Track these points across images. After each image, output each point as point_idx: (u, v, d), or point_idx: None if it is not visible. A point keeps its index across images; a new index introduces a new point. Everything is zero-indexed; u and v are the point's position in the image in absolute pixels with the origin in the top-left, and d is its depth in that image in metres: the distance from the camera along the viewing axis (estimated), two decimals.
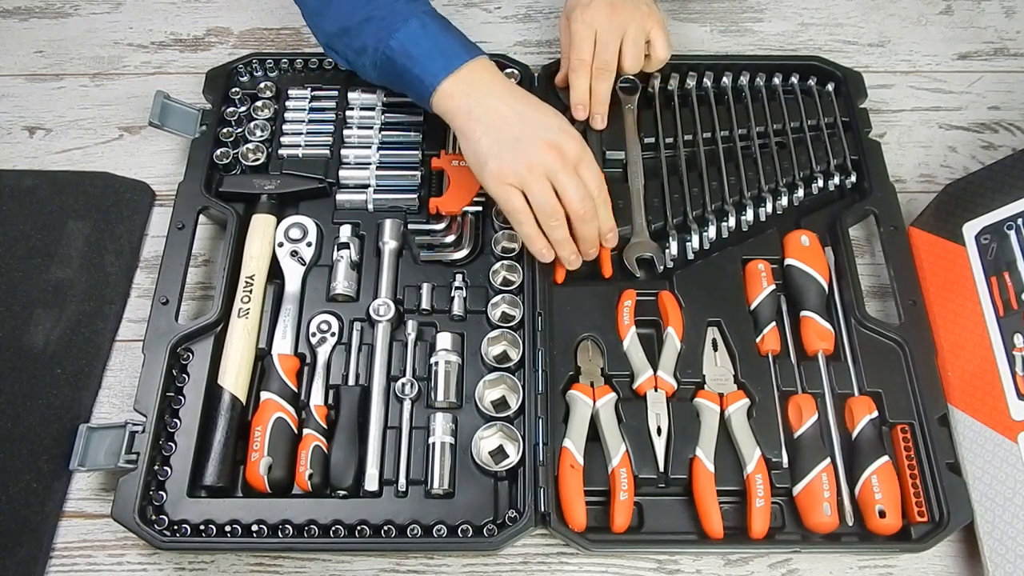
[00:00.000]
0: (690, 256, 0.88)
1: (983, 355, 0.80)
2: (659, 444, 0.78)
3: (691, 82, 0.99)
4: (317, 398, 0.80)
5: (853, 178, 0.93)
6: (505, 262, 0.86)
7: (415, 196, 0.91)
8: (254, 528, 0.74)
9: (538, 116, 0.79)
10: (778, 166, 0.93)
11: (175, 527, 0.74)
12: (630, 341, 0.83)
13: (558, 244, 0.79)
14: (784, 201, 0.91)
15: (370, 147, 0.94)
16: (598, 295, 0.86)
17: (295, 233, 0.88)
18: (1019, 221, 0.82)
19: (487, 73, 0.81)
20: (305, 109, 0.97)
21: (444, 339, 0.82)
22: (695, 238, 0.88)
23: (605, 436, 0.78)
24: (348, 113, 0.96)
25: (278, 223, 0.89)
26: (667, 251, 0.88)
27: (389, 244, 0.87)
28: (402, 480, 0.77)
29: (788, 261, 0.87)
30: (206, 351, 0.82)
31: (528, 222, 0.78)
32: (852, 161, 0.94)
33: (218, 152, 0.92)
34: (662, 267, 0.88)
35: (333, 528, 0.74)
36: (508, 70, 0.99)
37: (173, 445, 0.77)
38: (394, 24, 0.81)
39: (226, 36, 1.10)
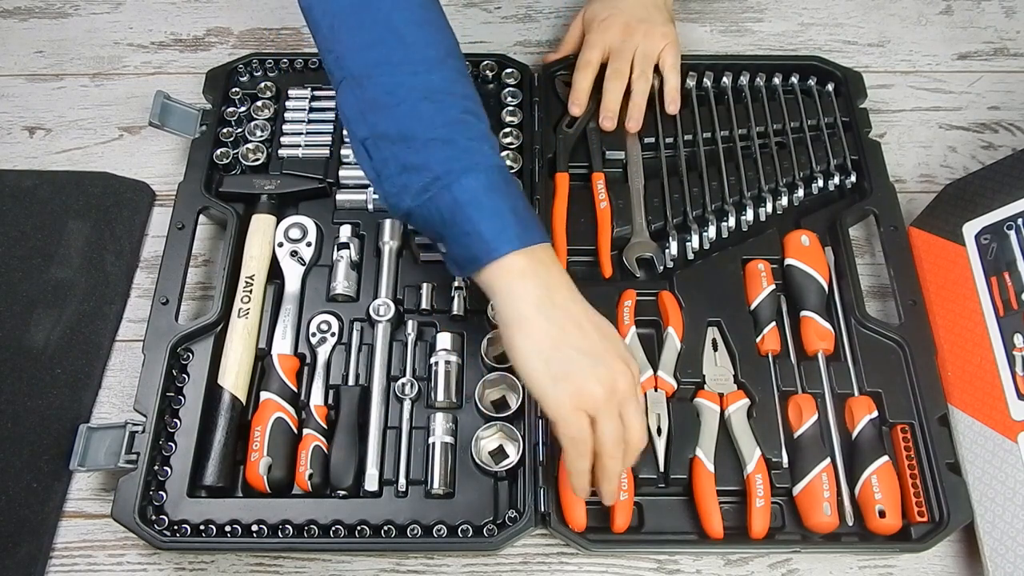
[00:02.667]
0: (690, 256, 0.88)
1: (983, 355, 0.80)
2: (659, 444, 0.78)
3: (691, 82, 0.99)
4: (317, 398, 0.80)
5: (853, 178, 0.93)
6: None
7: None
8: (254, 528, 0.74)
9: (612, 332, 0.67)
10: (778, 166, 0.93)
11: (175, 527, 0.74)
12: (630, 341, 0.83)
13: (608, 479, 0.68)
14: (784, 201, 0.91)
15: None
16: (598, 295, 0.85)
17: (295, 233, 0.88)
18: (1019, 221, 0.82)
19: (557, 264, 0.67)
20: (305, 109, 0.97)
21: (444, 339, 0.82)
22: (695, 238, 0.88)
23: None
24: None
25: (278, 223, 0.89)
26: (667, 251, 0.88)
27: (389, 244, 0.87)
28: (402, 480, 0.77)
29: (788, 261, 0.87)
30: (206, 351, 0.82)
31: (587, 455, 0.65)
32: (852, 161, 0.94)
33: (218, 152, 0.92)
34: (662, 267, 0.88)
35: (333, 528, 0.74)
36: (508, 70, 0.99)
37: (173, 445, 0.77)
38: (475, 161, 0.66)
39: (226, 36, 1.10)
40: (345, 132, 0.93)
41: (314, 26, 0.73)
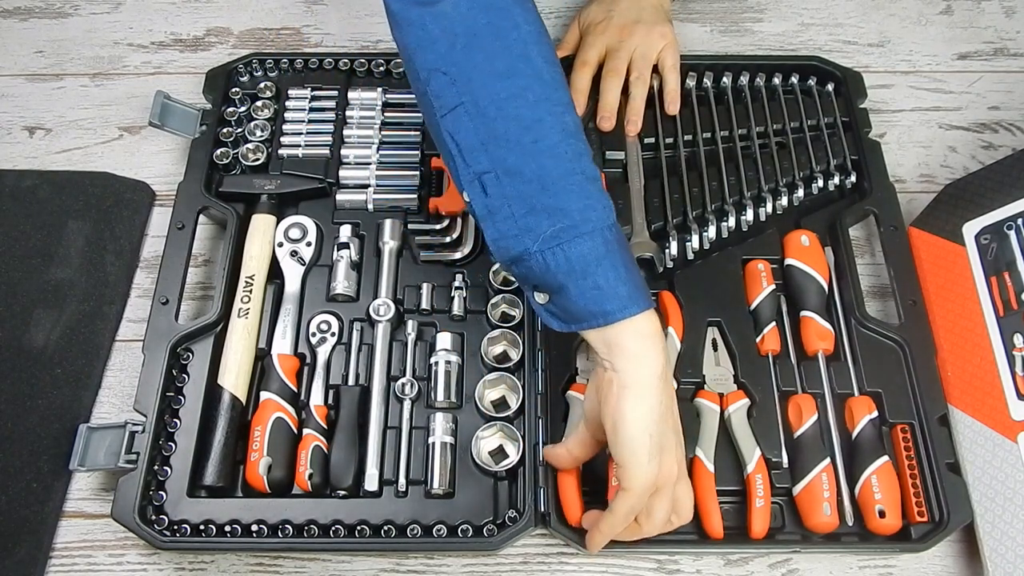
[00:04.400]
0: (690, 256, 0.88)
1: (983, 355, 0.80)
2: None
3: (691, 82, 0.99)
4: (317, 398, 0.80)
5: (853, 178, 0.93)
6: None
7: (415, 196, 0.91)
8: (254, 528, 0.74)
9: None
10: (778, 166, 0.93)
11: (175, 527, 0.74)
12: None
13: (628, 537, 0.70)
14: (784, 201, 0.91)
15: (370, 147, 0.94)
16: None
17: (295, 233, 0.88)
18: (1019, 221, 0.82)
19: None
20: (305, 109, 0.97)
21: (444, 339, 0.82)
22: (695, 238, 0.88)
23: None
24: (348, 113, 0.96)
25: (278, 223, 0.89)
26: (667, 251, 0.88)
27: (389, 244, 0.87)
28: (402, 480, 0.77)
29: (788, 261, 0.87)
30: (206, 351, 0.82)
31: (632, 523, 0.68)
32: (852, 161, 0.94)
33: (218, 152, 0.92)
34: (662, 267, 0.88)
35: (333, 528, 0.74)
36: None
37: (173, 445, 0.77)
38: (609, 215, 0.64)
39: (226, 36, 1.10)
40: (432, 149, 0.91)
41: (425, 40, 0.66)
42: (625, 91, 0.95)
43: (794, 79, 1.00)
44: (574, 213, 0.62)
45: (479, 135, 0.64)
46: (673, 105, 0.96)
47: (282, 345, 0.82)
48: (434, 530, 0.74)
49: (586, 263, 0.62)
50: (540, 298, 0.66)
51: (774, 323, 0.84)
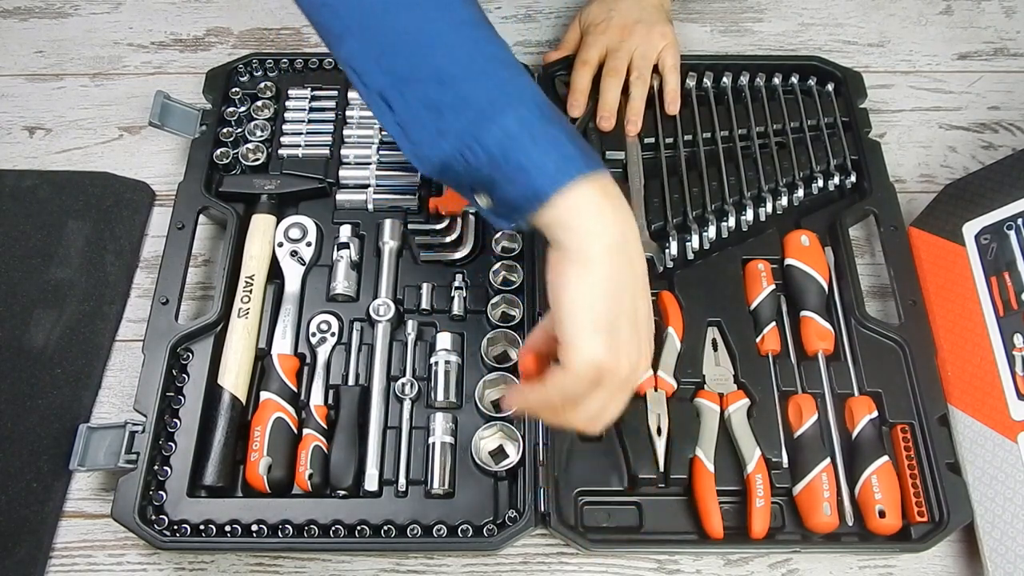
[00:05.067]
0: (690, 256, 0.88)
1: (983, 355, 0.80)
2: (659, 444, 0.78)
3: (691, 82, 0.99)
4: (317, 398, 0.80)
5: (853, 178, 0.93)
6: (505, 262, 0.86)
7: (415, 196, 0.91)
8: (254, 528, 0.74)
9: (652, 315, 0.62)
10: (778, 166, 0.93)
11: (175, 527, 0.74)
12: None
13: (547, 420, 0.68)
14: (784, 201, 0.91)
15: (370, 147, 0.94)
16: None
17: (295, 233, 0.88)
18: (1019, 221, 0.82)
19: (625, 204, 0.62)
20: (305, 109, 0.97)
21: (444, 339, 0.82)
22: (695, 238, 0.88)
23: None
24: (348, 113, 0.96)
25: (278, 223, 0.89)
26: (667, 251, 0.88)
27: (389, 244, 0.87)
28: (402, 480, 0.77)
29: (788, 261, 0.87)
30: (206, 351, 0.82)
31: (561, 410, 0.61)
32: (852, 161, 0.94)
33: (218, 152, 0.92)
34: (662, 267, 0.88)
35: (333, 528, 0.74)
36: None
37: (173, 445, 0.77)
38: (522, 92, 0.60)
39: (226, 36, 1.10)
40: (354, 113, 0.93)
41: None
42: (625, 91, 0.95)
43: (794, 79, 1.00)
44: (480, 100, 0.58)
45: (370, 53, 0.61)
46: (673, 105, 0.96)
47: (282, 345, 0.82)
48: (434, 530, 0.74)
49: (504, 147, 0.57)
50: (483, 201, 0.61)
51: (774, 323, 0.84)
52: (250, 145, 0.93)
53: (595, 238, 0.58)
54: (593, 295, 0.57)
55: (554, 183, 0.57)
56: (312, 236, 0.88)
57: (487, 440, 0.78)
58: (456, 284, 0.86)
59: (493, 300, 0.85)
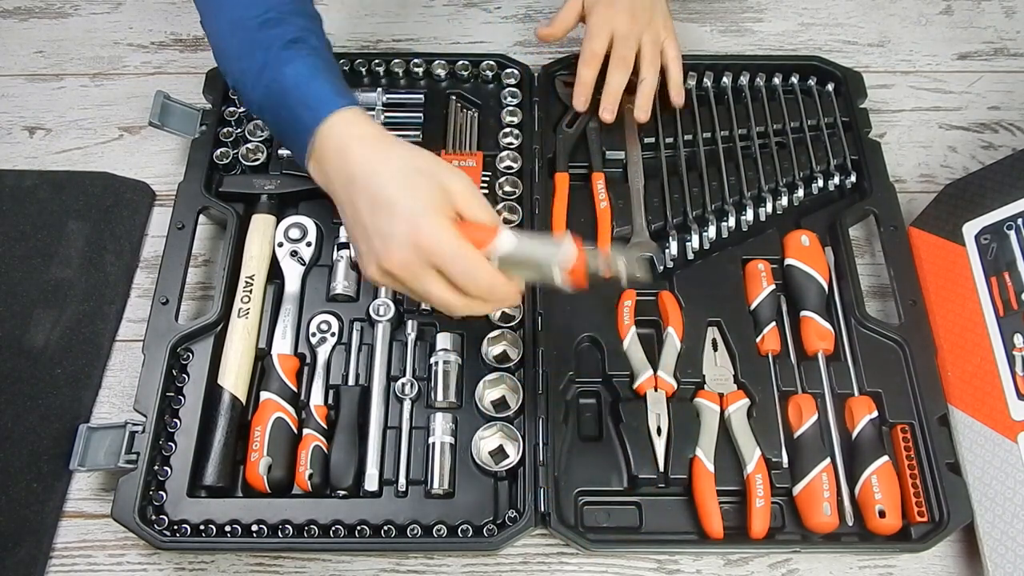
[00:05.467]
0: (690, 256, 0.88)
1: (983, 355, 0.80)
2: (659, 444, 0.78)
3: (691, 82, 0.99)
4: (317, 398, 0.80)
5: (853, 178, 0.93)
6: None
7: None
8: (254, 528, 0.74)
9: (403, 195, 0.64)
10: (778, 166, 0.93)
11: (175, 527, 0.74)
12: (630, 341, 0.83)
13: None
14: (784, 201, 0.91)
15: None
16: (598, 295, 0.86)
17: (295, 233, 0.88)
18: (1019, 221, 0.82)
19: (365, 124, 0.68)
20: None
21: (444, 339, 0.82)
22: (695, 238, 0.88)
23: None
24: None
25: (278, 223, 0.89)
26: (667, 251, 0.88)
27: None
28: (402, 480, 0.77)
29: (788, 261, 0.87)
30: (206, 351, 0.82)
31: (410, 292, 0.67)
32: (852, 161, 0.94)
33: (218, 152, 0.92)
34: (662, 267, 0.88)
35: (333, 528, 0.74)
36: (508, 70, 0.99)
37: (173, 445, 0.77)
38: (263, 61, 0.71)
39: None
40: None
41: None
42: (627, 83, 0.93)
43: (794, 79, 1.00)
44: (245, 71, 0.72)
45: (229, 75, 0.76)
46: (679, 97, 0.94)
47: (282, 345, 0.82)
48: (434, 530, 0.74)
49: (263, 111, 0.73)
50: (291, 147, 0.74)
51: (774, 323, 0.84)
52: (250, 145, 0.93)
53: (336, 172, 0.67)
54: (348, 226, 0.68)
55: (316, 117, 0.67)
56: (312, 236, 0.88)
57: (487, 440, 0.78)
58: None
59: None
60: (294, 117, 0.69)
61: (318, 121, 0.67)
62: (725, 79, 0.99)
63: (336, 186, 0.68)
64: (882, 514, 0.74)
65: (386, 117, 0.96)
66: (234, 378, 0.80)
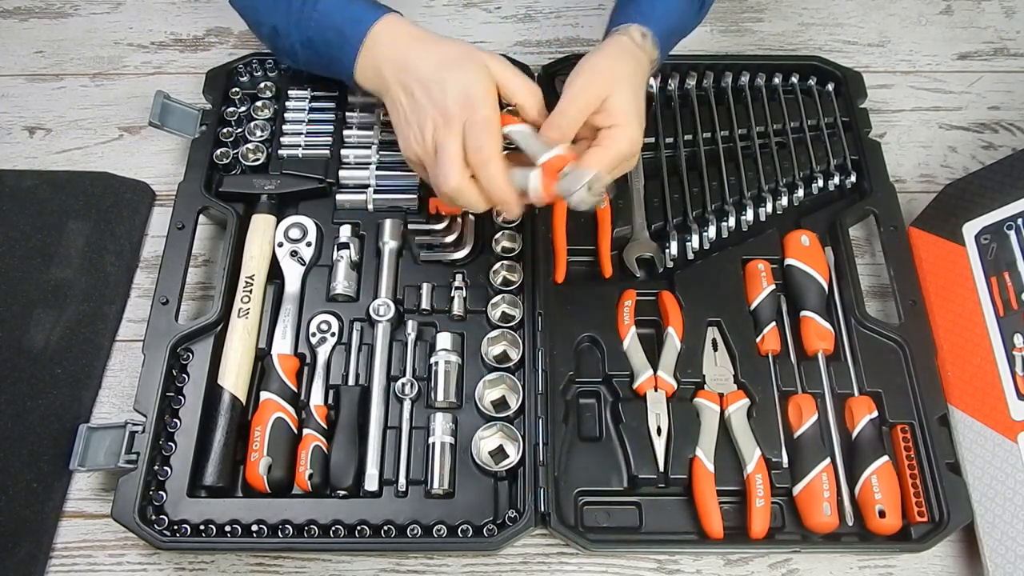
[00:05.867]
0: (690, 256, 0.88)
1: (983, 355, 0.80)
2: (659, 444, 0.78)
3: (691, 82, 0.99)
4: (317, 398, 0.80)
5: (853, 178, 0.93)
6: (505, 262, 0.86)
7: (415, 196, 0.91)
8: (254, 528, 0.74)
9: (443, 81, 0.72)
10: (778, 166, 0.93)
11: (175, 527, 0.74)
12: (630, 341, 0.83)
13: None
14: (784, 201, 0.91)
15: (370, 147, 0.94)
16: (598, 295, 0.86)
17: (295, 233, 0.88)
18: (1019, 221, 0.82)
19: (406, 28, 0.76)
20: (305, 109, 0.97)
21: (444, 339, 0.82)
22: (695, 238, 0.88)
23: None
24: (348, 113, 0.96)
25: (278, 223, 0.89)
26: (667, 251, 0.88)
27: (389, 244, 0.87)
28: (402, 480, 0.77)
29: (788, 261, 0.87)
30: (206, 351, 0.82)
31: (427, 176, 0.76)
32: (852, 161, 0.94)
33: (218, 152, 0.92)
34: (662, 267, 0.88)
35: (333, 528, 0.74)
36: None
37: (173, 445, 0.77)
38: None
39: (226, 36, 1.10)
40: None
41: None
42: None
43: (794, 79, 1.00)
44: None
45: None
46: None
47: (282, 345, 0.82)
48: (434, 530, 0.74)
49: (308, 48, 0.81)
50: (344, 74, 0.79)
51: (774, 323, 0.84)
52: (250, 145, 0.93)
53: (385, 75, 0.75)
54: (397, 125, 0.76)
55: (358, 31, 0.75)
56: (312, 236, 0.88)
57: (487, 440, 0.78)
58: (456, 284, 0.86)
59: (493, 300, 0.85)
60: (342, 39, 0.76)
61: (365, 32, 0.75)
62: (725, 79, 0.99)
63: (390, 81, 0.74)
64: (882, 514, 0.74)
65: (386, 117, 0.96)
66: (234, 378, 0.80)
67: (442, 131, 0.71)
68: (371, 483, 0.76)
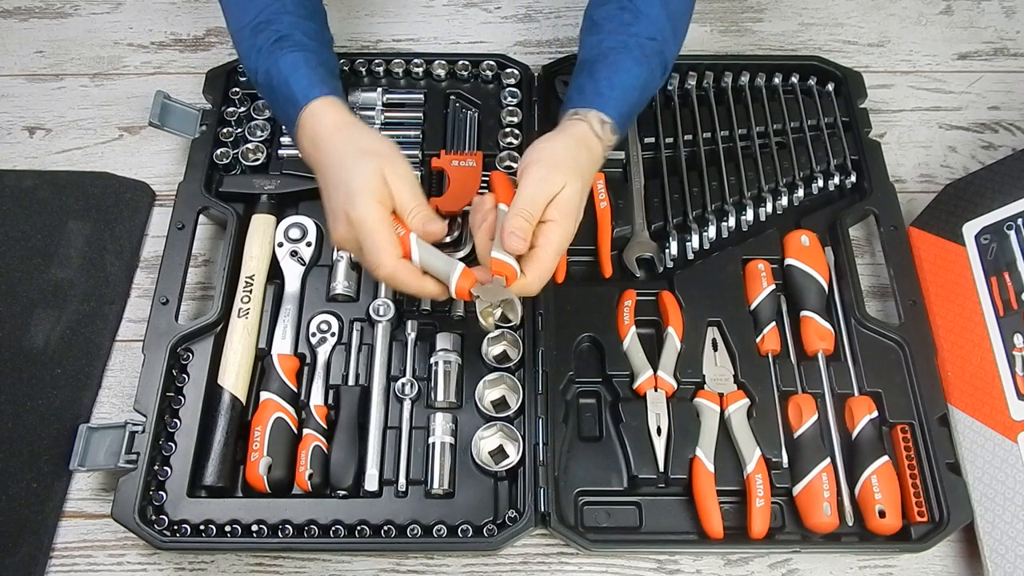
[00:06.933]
0: (690, 256, 0.88)
1: (983, 355, 0.80)
2: (659, 444, 0.78)
3: (691, 82, 0.99)
4: (317, 398, 0.80)
5: (853, 178, 0.93)
6: None
7: None
8: (254, 528, 0.74)
9: (345, 188, 0.70)
10: (778, 166, 0.93)
11: (175, 527, 0.74)
12: (630, 341, 0.83)
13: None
14: (784, 201, 0.91)
15: None
16: (598, 295, 0.86)
17: (295, 233, 0.88)
18: (1019, 221, 0.82)
19: (337, 112, 0.75)
20: None
21: (444, 339, 0.82)
22: (695, 238, 0.88)
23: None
24: None
25: (278, 223, 0.89)
26: (667, 251, 0.88)
27: None
28: (402, 480, 0.77)
29: (788, 261, 0.87)
30: (206, 351, 0.82)
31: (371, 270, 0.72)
32: (852, 161, 0.94)
33: (218, 152, 0.92)
34: (662, 267, 0.88)
35: (333, 528, 0.74)
36: (508, 70, 0.99)
37: (173, 445, 0.77)
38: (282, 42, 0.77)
39: (226, 36, 1.09)
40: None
41: None
42: None
43: (794, 79, 1.00)
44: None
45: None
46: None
47: (282, 345, 0.82)
48: (434, 530, 0.74)
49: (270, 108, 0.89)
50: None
51: (774, 323, 0.84)
52: (250, 145, 0.93)
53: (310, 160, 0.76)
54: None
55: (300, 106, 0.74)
56: (312, 236, 0.88)
57: (487, 440, 0.78)
58: None
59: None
60: (284, 112, 0.77)
61: (297, 113, 0.74)
62: (725, 79, 0.99)
63: (312, 169, 0.76)
64: (882, 514, 0.74)
65: (386, 117, 0.96)
66: (234, 378, 0.80)
67: (343, 226, 0.70)
68: (371, 483, 0.76)
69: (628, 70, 0.77)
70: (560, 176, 0.70)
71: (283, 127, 0.87)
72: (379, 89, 0.97)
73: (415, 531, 0.74)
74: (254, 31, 0.77)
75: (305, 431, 0.78)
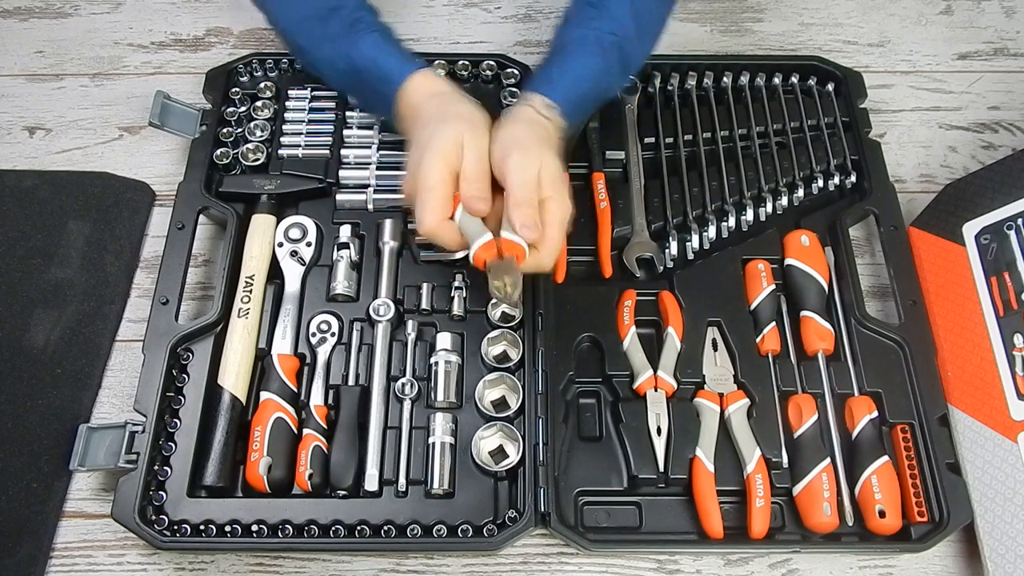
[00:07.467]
0: (690, 256, 0.88)
1: (983, 355, 0.80)
2: (659, 444, 0.78)
3: (691, 82, 0.99)
4: (317, 398, 0.80)
5: (853, 178, 0.93)
6: None
7: None
8: (254, 528, 0.74)
9: (424, 155, 0.73)
10: (778, 166, 0.93)
11: (175, 527, 0.74)
12: (630, 341, 0.83)
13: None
14: (784, 201, 0.91)
15: (370, 147, 0.94)
16: (598, 295, 0.86)
17: (295, 233, 0.88)
18: (1019, 221, 0.82)
19: (434, 84, 0.80)
20: (305, 109, 0.97)
21: (444, 339, 0.82)
22: (695, 238, 0.88)
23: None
24: (348, 113, 0.96)
25: (278, 223, 0.89)
26: (667, 251, 0.88)
27: (389, 244, 0.87)
28: (402, 480, 0.77)
29: (788, 261, 0.87)
30: (206, 351, 0.82)
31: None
32: (852, 161, 0.94)
33: (218, 152, 0.92)
34: (662, 267, 0.88)
35: (333, 528, 0.74)
36: (508, 70, 0.99)
37: (173, 445, 0.77)
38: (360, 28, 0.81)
39: (226, 36, 1.10)
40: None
41: None
42: None
43: (794, 79, 1.00)
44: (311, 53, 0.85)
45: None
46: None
47: (282, 345, 0.82)
48: (434, 530, 0.74)
49: (350, 92, 0.91)
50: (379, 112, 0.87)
51: (774, 323, 0.84)
52: (250, 145, 0.93)
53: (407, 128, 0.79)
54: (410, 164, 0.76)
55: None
56: (312, 236, 0.88)
57: (487, 440, 0.78)
58: (456, 284, 0.86)
59: (493, 300, 0.84)
60: (377, 93, 0.81)
61: (395, 90, 0.78)
62: (725, 79, 0.99)
63: (407, 137, 0.79)
64: (882, 514, 0.74)
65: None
66: (234, 378, 0.80)
67: (411, 177, 0.74)
68: (371, 483, 0.76)
69: (581, 60, 0.80)
70: (534, 154, 0.72)
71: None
72: None
73: (415, 531, 0.74)
74: (321, 20, 0.81)
75: (305, 431, 0.78)
